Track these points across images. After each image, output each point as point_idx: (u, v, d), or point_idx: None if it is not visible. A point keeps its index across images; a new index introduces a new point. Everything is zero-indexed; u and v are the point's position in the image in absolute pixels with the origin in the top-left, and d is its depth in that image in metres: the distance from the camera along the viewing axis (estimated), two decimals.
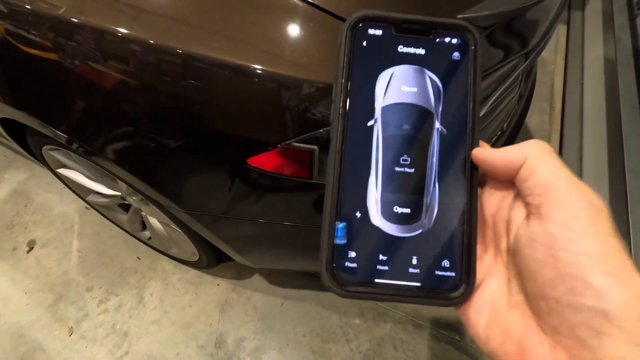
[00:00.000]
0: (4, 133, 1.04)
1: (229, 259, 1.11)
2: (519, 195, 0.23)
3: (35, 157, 1.16)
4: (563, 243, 0.20)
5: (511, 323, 0.22)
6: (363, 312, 1.28)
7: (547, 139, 1.75)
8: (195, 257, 1.20)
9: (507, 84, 0.74)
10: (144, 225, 1.29)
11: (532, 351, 0.20)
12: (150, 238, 1.30)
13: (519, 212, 0.23)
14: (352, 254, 0.23)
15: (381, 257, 0.23)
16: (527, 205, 0.22)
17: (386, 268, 0.23)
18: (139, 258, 1.40)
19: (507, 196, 0.24)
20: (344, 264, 0.23)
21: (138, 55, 0.63)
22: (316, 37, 0.60)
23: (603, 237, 0.19)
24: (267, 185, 0.71)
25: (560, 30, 2.22)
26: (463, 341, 1.23)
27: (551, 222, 0.20)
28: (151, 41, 0.62)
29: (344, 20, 0.60)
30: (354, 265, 0.23)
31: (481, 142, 0.25)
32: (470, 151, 0.24)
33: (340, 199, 0.23)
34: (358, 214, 0.23)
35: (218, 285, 1.34)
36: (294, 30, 0.61)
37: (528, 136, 1.75)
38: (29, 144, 1.07)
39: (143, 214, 1.18)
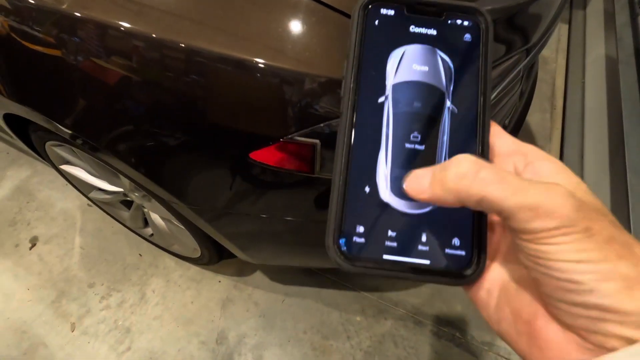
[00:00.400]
0: (7, 129, 1.04)
1: (231, 255, 1.12)
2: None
3: (38, 154, 1.17)
4: (543, 256, 0.19)
5: (522, 304, 0.22)
6: (364, 309, 1.28)
7: (548, 138, 1.75)
8: (197, 254, 1.20)
9: (508, 79, 0.74)
10: (146, 222, 1.29)
11: (544, 330, 0.20)
12: (152, 235, 1.31)
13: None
14: (360, 229, 0.23)
15: (390, 233, 0.23)
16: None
17: (395, 244, 0.23)
18: (140, 255, 1.41)
19: (513, 169, 0.24)
20: (352, 238, 0.23)
21: (141, 50, 0.64)
22: (318, 32, 0.60)
23: (578, 242, 0.18)
24: (269, 180, 0.71)
25: (562, 29, 2.22)
26: (464, 338, 1.23)
27: (522, 239, 0.19)
28: (154, 36, 0.62)
29: (345, 14, 0.60)
30: (362, 240, 0.23)
31: (492, 123, 0.25)
32: (482, 131, 0.24)
33: (349, 173, 0.23)
34: (367, 189, 0.23)
35: (219, 282, 1.35)
36: (296, 25, 0.61)
37: (529, 134, 1.75)
38: (32, 140, 1.08)
39: (145, 210, 1.18)
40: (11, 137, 1.12)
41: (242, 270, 1.36)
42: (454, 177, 0.20)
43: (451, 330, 1.24)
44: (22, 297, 1.32)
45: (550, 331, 0.20)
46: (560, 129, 1.77)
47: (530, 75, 1.09)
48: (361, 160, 0.23)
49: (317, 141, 0.62)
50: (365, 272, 0.22)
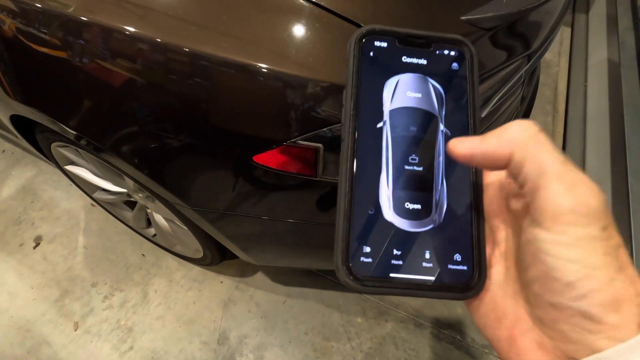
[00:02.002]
0: (13, 130, 1.05)
1: (233, 256, 1.13)
2: (514, 187, 0.24)
3: (44, 154, 1.18)
4: (548, 247, 0.19)
5: (505, 311, 0.23)
6: (365, 311, 1.29)
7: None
8: (200, 254, 1.21)
9: (509, 85, 0.75)
10: (149, 223, 1.30)
11: (519, 338, 0.21)
12: (155, 235, 1.32)
13: (515, 204, 0.23)
14: (367, 249, 0.24)
15: (395, 251, 0.24)
16: (524, 200, 0.22)
17: (400, 262, 0.24)
18: (143, 255, 1.42)
19: (501, 187, 0.25)
20: (360, 258, 0.23)
21: (146, 53, 0.64)
22: (322, 38, 0.61)
23: (591, 242, 0.19)
24: (272, 183, 0.72)
25: (564, 32, 2.22)
26: (464, 341, 1.23)
27: (537, 225, 0.20)
28: (158, 40, 0.63)
29: (349, 20, 0.61)
30: (369, 260, 0.23)
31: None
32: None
33: (353, 196, 0.24)
34: (371, 210, 0.24)
35: (221, 282, 1.35)
36: (300, 30, 0.62)
37: None
38: (38, 141, 1.09)
39: (148, 211, 1.19)
40: (16, 137, 1.13)
41: (244, 271, 1.37)
42: (517, 128, 0.21)
43: (452, 332, 1.25)
44: (26, 296, 1.34)
45: (525, 340, 0.21)
46: (562, 132, 1.77)
47: (531, 79, 1.10)
48: (364, 183, 0.25)
49: (320, 145, 0.63)
50: (373, 292, 0.23)
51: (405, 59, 0.27)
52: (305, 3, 0.62)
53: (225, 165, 0.72)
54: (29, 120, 0.91)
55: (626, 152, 1.31)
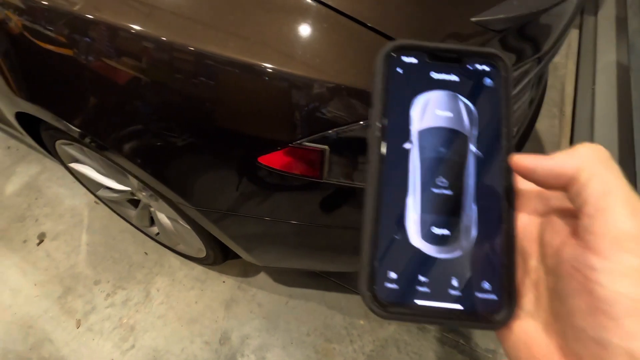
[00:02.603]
0: (19, 127, 1.05)
1: (236, 256, 1.12)
2: (559, 211, 0.23)
3: (48, 152, 1.18)
4: (600, 277, 0.18)
5: (537, 343, 0.21)
6: (367, 313, 1.28)
7: (557, 145, 1.74)
8: (202, 254, 1.21)
9: (519, 88, 0.74)
10: (152, 221, 1.30)
11: None
12: (158, 234, 1.32)
13: (554, 229, 0.22)
14: (393, 275, 0.23)
15: (421, 278, 0.23)
16: (569, 224, 0.21)
17: (427, 290, 0.23)
18: (146, 253, 1.42)
19: (537, 211, 0.24)
20: (385, 284, 0.23)
21: (151, 52, 0.64)
22: (329, 38, 0.60)
23: None
24: (276, 184, 0.71)
25: (572, 34, 2.20)
26: (467, 345, 1.22)
27: (593, 252, 0.19)
28: (164, 38, 0.62)
29: (356, 21, 0.60)
30: (395, 286, 0.23)
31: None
32: (506, 174, 0.24)
33: (379, 220, 0.23)
34: (397, 235, 0.23)
35: (224, 282, 1.35)
36: (306, 30, 0.61)
37: (537, 141, 1.74)
38: (43, 138, 1.09)
39: (152, 209, 1.19)
40: (21, 134, 1.13)
41: (247, 271, 1.37)
42: (587, 148, 0.21)
43: (455, 336, 1.24)
44: (29, 293, 1.34)
45: None
46: (569, 136, 1.76)
47: (540, 82, 1.08)
48: (390, 207, 0.24)
49: (326, 147, 0.62)
50: (398, 319, 0.23)
51: (435, 75, 0.26)
52: (312, 3, 0.62)
53: (230, 165, 0.71)
54: (34, 117, 0.91)
55: (635, 157, 1.30)
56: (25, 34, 0.74)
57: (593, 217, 0.19)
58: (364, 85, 0.58)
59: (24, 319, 1.29)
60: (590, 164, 0.20)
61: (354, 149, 0.63)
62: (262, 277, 1.36)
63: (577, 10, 0.83)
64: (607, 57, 1.88)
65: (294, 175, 0.67)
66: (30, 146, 1.67)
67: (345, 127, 0.60)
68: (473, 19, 0.63)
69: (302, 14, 0.61)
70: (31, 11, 0.72)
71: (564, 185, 0.21)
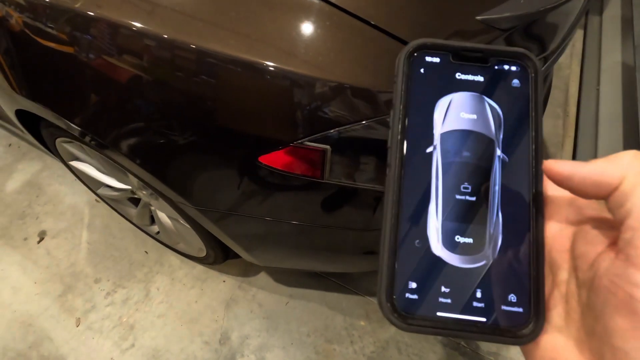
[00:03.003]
0: (19, 124, 1.05)
1: (236, 255, 1.12)
2: (593, 221, 0.21)
3: (48, 149, 1.18)
4: None
5: (565, 359, 0.20)
6: (368, 314, 1.27)
7: (560, 146, 1.72)
8: (203, 253, 1.20)
9: None
10: (152, 220, 1.30)
11: None
12: (158, 232, 1.31)
13: (588, 240, 0.21)
14: (413, 285, 0.22)
15: (443, 289, 0.22)
16: (617, 237, 0.20)
17: (449, 301, 0.22)
18: (146, 252, 1.41)
19: (569, 220, 0.23)
20: (405, 295, 0.22)
21: (152, 50, 0.63)
22: (332, 36, 0.60)
23: None
24: (277, 184, 0.71)
25: (577, 34, 2.18)
26: (469, 347, 1.21)
27: (636, 267, 0.18)
28: (165, 36, 0.62)
29: (360, 19, 0.59)
30: (415, 297, 0.22)
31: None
32: (535, 180, 0.23)
33: (399, 227, 0.23)
34: (418, 243, 0.23)
35: (224, 281, 1.34)
36: (309, 28, 0.60)
37: None
38: (43, 136, 1.08)
39: (152, 208, 1.19)
40: (22, 132, 1.13)
41: (247, 270, 1.36)
42: (631, 155, 0.19)
43: (456, 338, 1.23)
44: (29, 291, 1.34)
45: None
46: (573, 136, 1.74)
47: (544, 82, 1.07)
48: (411, 213, 0.23)
49: (328, 147, 0.61)
50: (419, 331, 0.22)
51: (459, 75, 0.25)
52: (315, 0, 0.61)
53: (230, 165, 0.71)
54: (34, 115, 0.91)
55: None
56: (26, 31, 0.74)
57: (637, 230, 0.18)
58: (367, 84, 0.57)
59: (24, 317, 1.29)
60: (634, 172, 0.19)
61: (356, 149, 0.62)
62: (263, 277, 1.35)
63: (584, 9, 0.81)
64: (612, 57, 1.86)
65: (294, 175, 0.67)
66: (31, 143, 1.67)
67: (348, 126, 0.59)
68: (478, 17, 0.62)
69: (305, 11, 0.60)
70: (32, 8, 0.72)
71: (605, 194, 0.20)
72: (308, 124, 0.60)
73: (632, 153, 0.20)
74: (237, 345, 1.22)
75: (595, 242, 0.21)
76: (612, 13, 2.09)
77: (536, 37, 0.72)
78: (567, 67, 2.03)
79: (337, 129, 0.59)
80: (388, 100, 0.58)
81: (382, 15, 0.60)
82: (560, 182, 0.21)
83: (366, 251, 0.89)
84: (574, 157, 1.66)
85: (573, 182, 0.21)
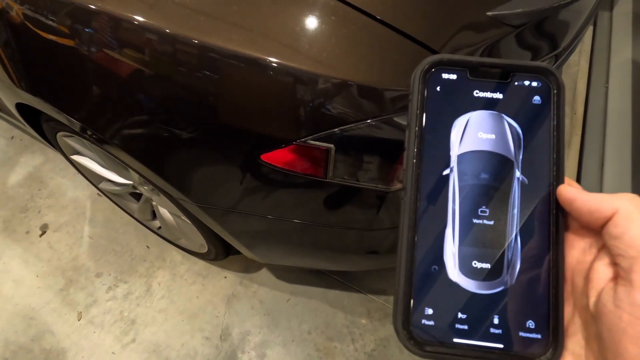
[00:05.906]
0: (20, 118, 1.04)
1: (238, 252, 1.11)
2: (605, 250, 0.21)
3: (50, 143, 1.17)
4: None
5: None
6: (370, 312, 1.26)
7: (567, 144, 1.70)
8: (204, 249, 1.20)
9: None
10: (154, 215, 1.29)
11: None
12: (160, 228, 1.31)
13: (603, 269, 0.21)
14: (429, 311, 0.22)
15: (460, 315, 0.22)
16: (615, 265, 0.20)
17: (466, 327, 0.22)
18: (148, 247, 1.41)
19: (591, 247, 0.22)
20: (421, 321, 0.22)
21: (154, 44, 0.62)
22: (337, 32, 0.58)
23: None
24: (279, 182, 0.69)
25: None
26: None
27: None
28: (167, 30, 0.60)
29: (366, 13, 0.58)
30: (431, 323, 0.22)
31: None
32: (556, 204, 0.23)
33: (415, 252, 0.22)
34: (434, 268, 0.22)
35: (225, 277, 1.34)
36: (313, 23, 0.59)
37: None
38: (44, 129, 1.08)
39: (154, 203, 1.18)
40: (24, 125, 1.12)
41: (249, 267, 1.36)
42: (626, 194, 0.21)
43: None
44: (31, 284, 1.34)
45: None
46: (580, 135, 1.72)
47: None
48: (427, 238, 0.22)
49: (332, 145, 0.60)
50: (436, 358, 0.21)
51: (477, 93, 0.23)
52: None
53: (232, 162, 0.70)
54: (34, 108, 0.90)
55: None
56: (26, 23, 0.72)
57: (637, 260, 0.19)
58: (372, 82, 0.56)
59: (25, 311, 1.29)
60: (630, 209, 0.20)
61: (360, 148, 0.61)
62: (264, 273, 1.35)
63: (596, 6, 0.79)
64: (622, 54, 1.83)
65: (297, 174, 0.65)
66: (33, 137, 1.66)
67: (352, 125, 0.57)
68: (489, 13, 0.60)
69: (309, 5, 0.59)
70: (32, 0, 0.70)
71: (599, 223, 0.20)
72: (311, 122, 0.59)
73: (630, 195, 0.21)
74: (238, 341, 1.22)
75: (605, 272, 0.21)
76: (623, 9, 2.05)
77: (547, 34, 0.70)
78: (575, 64, 2.00)
79: (341, 127, 0.58)
80: (394, 99, 0.57)
81: (389, 10, 0.58)
82: (565, 205, 0.22)
83: (369, 251, 0.88)
84: (580, 155, 1.63)
85: (574, 206, 0.21)
